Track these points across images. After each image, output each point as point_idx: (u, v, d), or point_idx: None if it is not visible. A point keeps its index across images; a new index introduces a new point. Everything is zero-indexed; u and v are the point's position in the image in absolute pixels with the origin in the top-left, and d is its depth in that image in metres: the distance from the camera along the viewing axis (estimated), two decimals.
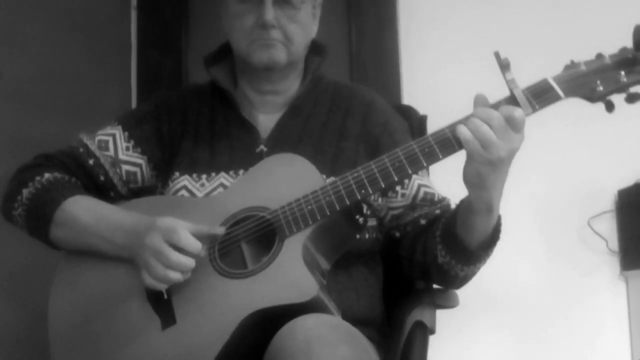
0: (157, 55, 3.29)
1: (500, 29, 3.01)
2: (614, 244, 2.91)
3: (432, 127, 2.05)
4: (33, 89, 2.82)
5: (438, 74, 3.04)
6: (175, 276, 1.65)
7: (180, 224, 1.68)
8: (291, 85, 2.01)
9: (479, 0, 3.08)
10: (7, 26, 2.76)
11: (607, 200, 2.92)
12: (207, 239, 1.70)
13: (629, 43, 1.62)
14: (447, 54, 3.06)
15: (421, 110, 2.27)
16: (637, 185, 2.82)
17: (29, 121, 2.77)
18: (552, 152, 2.88)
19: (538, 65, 1.67)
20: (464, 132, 1.59)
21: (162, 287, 1.68)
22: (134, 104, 3.24)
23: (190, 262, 1.66)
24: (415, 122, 2.21)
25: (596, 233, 2.91)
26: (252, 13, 1.90)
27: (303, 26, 1.94)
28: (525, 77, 1.63)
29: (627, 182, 2.86)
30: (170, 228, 1.67)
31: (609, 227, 2.91)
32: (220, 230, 1.72)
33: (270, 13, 1.88)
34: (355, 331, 1.55)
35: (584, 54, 1.66)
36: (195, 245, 1.66)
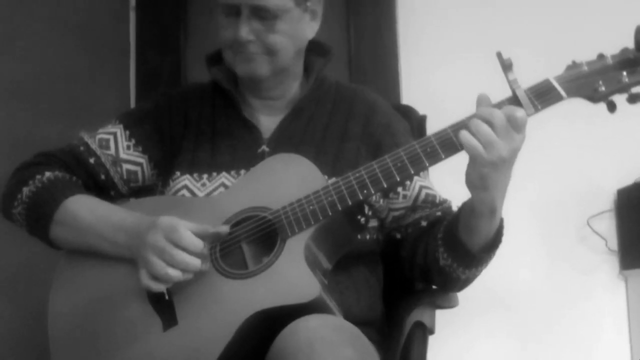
0: (156, 55, 3.29)
1: (500, 29, 3.02)
2: (613, 243, 2.91)
3: (431, 127, 2.05)
4: (32, 90, 2.82)
5: (437, 73, 3.05)
6: (176, 274, 1.64)
7: (182, 223, 1.67)
8: (288, 89, 2.00)
9: (479, 0, 3.08)
10: (6, 27, 2.77)
11: (607, 200, 2.93)
12: (211, 238, 1.70)
13: (630, 43, 1.62)
14: (446, 54, 3.06)
15: (420, 110, 2.27)
16: (636, 185, 2.83)
17: (28, 121, 2.77)
18: (551, 152, 2.89)
19: (539, 66, 1.68)
20: (465, 136, 1.60)
21: (160, 288, 1.67)
22: (132, 105, 3.24)
23: (194, 262, 1.65)
24: (414, 122, 2.21)
25: (595, 232, 2.91)
26: (232, 27, 1.88)
27: (286, 34, 1.90)
28: (526, 77, 1.64)
29: (626, 181, 2.87)
30: (172, 226, 1.66)
31: (608, 226, 2.92)
32: (225, 229, 1.71)
33: (243, 29, 1.86)
34: (358, 332, 1.54)
35: (586, 54, 1.67)
36: (197, 244, 1.65)
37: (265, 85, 1.97)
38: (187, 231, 1.66)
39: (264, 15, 1.86)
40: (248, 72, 1.92)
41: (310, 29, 1.98)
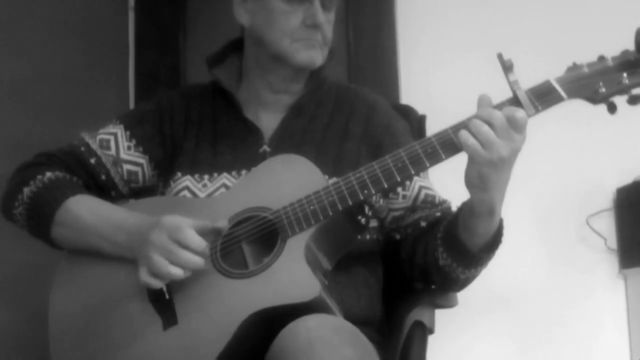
0: (155, 55, 3.29)
1: (500, 30, 3.02)
2: (613, 242, 2.92)
3: (431, 126, 2.05)
4: (32, 90, 2.82)
5: (437, 73, 3.05)
6: (178, 272, 1.64)
7: (185, 222, 1.68)
8: (301, 86, 2.01)
9: (478, 0, 3.09)
10: (6, 27, 2.77)
11: (606, 199, 2.94)
12: (211, 234, 1.70)
13: (630, 45, 1.62)
14: (445, 54, 3.07)
15: (420, 110, 2.28)
16: (635, 184, 2.83)
17: (27, 122, 2.77)
18: (550, 151, 2.89)
19: (539, 67, 1.68)
20: (463, 134, 1.60)
21: (159, 284, 1.67)
22: (131, 105, 3.24)
23: (199, 260, 1.65)
24: (414, 121, 2.21)
25: (595, 231, 2.92)
26: (298, 13, 1.89)
27: (332, 29, 1.96)
28: (526, 78, 1.64)
29: (625, 180, 2.87)
30: (176, 226, 1.66)
31: (607, 225, 2.93)
32: (223, 224, 1.71)
33: (322, 15, 1.89)
34: (357, 332, 1.54)
35: (586, 56, 1.67)
36: (200, 244, 1.65)
37: (300, 76, 1.98)
38: (191, 231, 1.66)
39: (329, 5, 1.92)
40: (310, 60, 1.92)
41: None
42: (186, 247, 1.65)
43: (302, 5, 1.89)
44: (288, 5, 1.90)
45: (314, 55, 1.92)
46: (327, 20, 1.92)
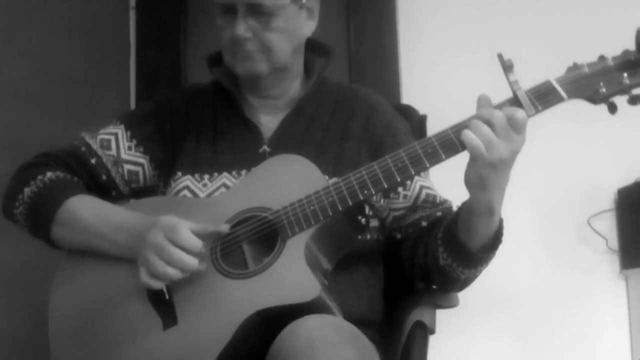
0: (156, 55, 3.29)
1: (501, 29, 3.02)
2: (614, 242, 2.91)
3: (431, 126, 2.05)
4: (32, 90, 2.83)
5: (437, 73, 3.05)
6: (174, 273, 1.65)
7: (183, 222, 1.68)
8: (288, 88, 2.01)
9: (479, 0, 3.08)
10: (6, 27, 2.77)
11: (607, 199, 2.93)
12: (211, 237, 1.70)
13: (631, 45, 1.62)
14: (446, 54, 3.06)
15: (420, 110, 2.27)
16: (637, 184, 2.83)
17: (28, 121, 2.78)
18: (551, 151, 2.89)
19: (539, 67, 1.68)
20: (468, 135, 1.60)
21: (159, 285, 1.68)
22: (132, 105, 3.24)
23: (192, 261, 1.65)
24: (415, 121, 2.20)
25: (596, 232, 2.91)
26: (229, 26, 1.89)
27: (282, 31, 1.90)
28: (527, 78, 1.64)
29: (627, 180, 2.87)
30: (172, 225, 1.67)
31: (608, 225, 2.92)
32: (225, 227, 1.72)
33: (240, 28, 1.86)
34: (358, 332, 1.55)
35: (587, 56, 1.67)
36: (196, 244, 1.66)
37: (265, 83, 1.96)
38: (187, 231, 1.67)
39: (260, 12, 1.87)
40: (247, 71, 1.91)
41: (307, 27, 1.98)
42: (181, 247, 1.65)
43: (231, 18, 1.88)
44: (223, 20, 1.91)
45: (252, 66, 1.91)
46: (262, 26, 1.87)
